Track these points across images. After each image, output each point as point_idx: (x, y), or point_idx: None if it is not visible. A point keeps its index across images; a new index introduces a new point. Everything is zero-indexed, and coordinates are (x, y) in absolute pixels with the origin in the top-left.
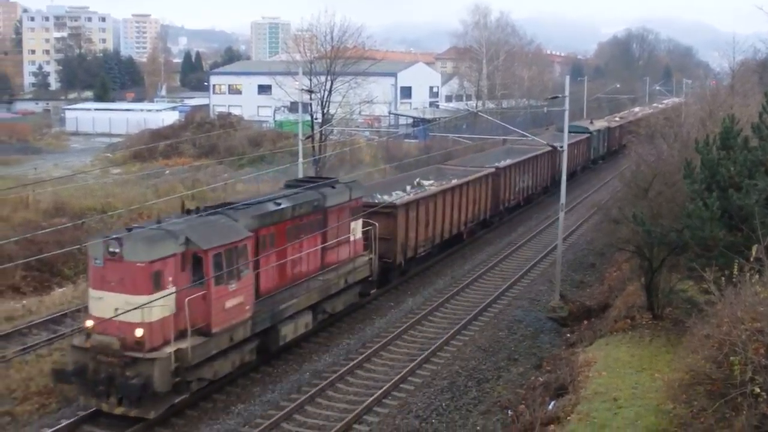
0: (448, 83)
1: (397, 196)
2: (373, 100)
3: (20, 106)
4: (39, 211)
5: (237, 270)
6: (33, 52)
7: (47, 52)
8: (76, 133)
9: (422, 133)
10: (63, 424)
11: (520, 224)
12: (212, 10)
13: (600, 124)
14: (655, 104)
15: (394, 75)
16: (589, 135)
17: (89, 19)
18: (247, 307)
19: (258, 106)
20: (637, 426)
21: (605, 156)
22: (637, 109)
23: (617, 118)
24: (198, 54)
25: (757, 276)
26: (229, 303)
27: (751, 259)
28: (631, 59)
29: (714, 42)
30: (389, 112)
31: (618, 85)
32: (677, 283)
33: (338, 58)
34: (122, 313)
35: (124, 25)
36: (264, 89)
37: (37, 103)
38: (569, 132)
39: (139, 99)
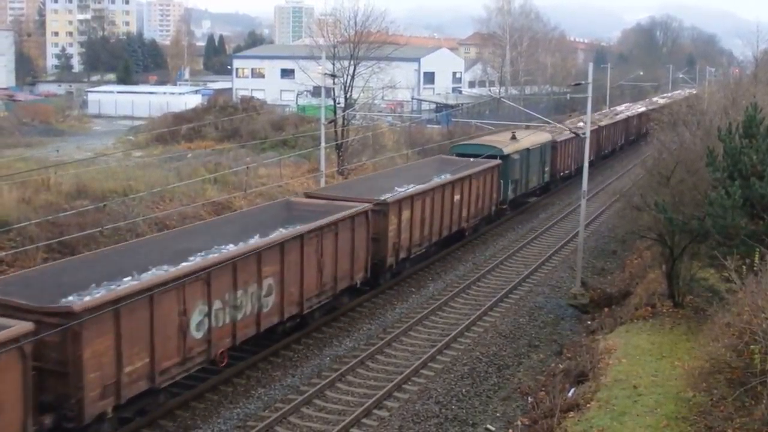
0: (471, 69)
1: None
2: (396, 85)
3: (43, 88)
4: (61, 193)
5: None
6: (56, 34)
7: (70, 34)
8: (98, 116)
9: (445, 119)
10: None
11: (543, 210)
12: None
13: (536, 138)
14: (656, 97)
15: (417, 60)
16: (498, 162)
17: (113, 2)
18: None
19: (281, 90)
20: (656, 413)
21: (548, 186)
22: (622, 107)
23: (580, 123)
24: (221, 37)
25: None
26: None
27: None
28: (655, 47)
29: (737, 30)
30: (412, 98)
31: (641, 73)
32: (698, 271)
33: (361, 43)
34: None
35: (148, 8)
36: (287, 73)
37: (59, 85)
38: (469, 155)
39: (162, 82)
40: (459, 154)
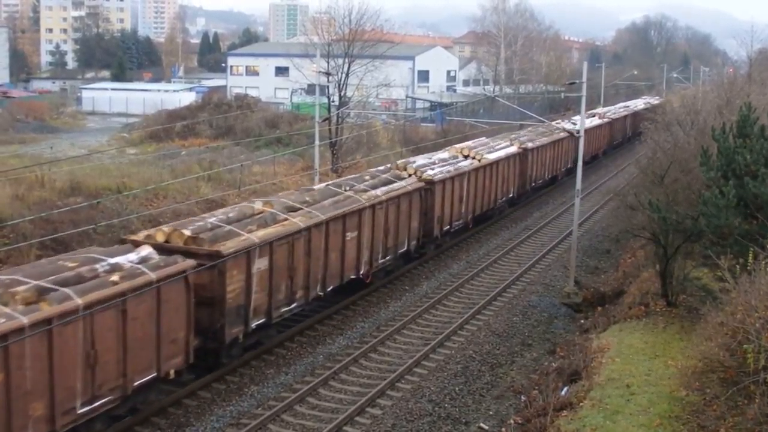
0: (465, 68)
1: None
2: (391, 83)
3: (37, 84)
4: (54, 190)
5: None
6: (50, 30)
7: (65, 31)
8: (92, 113)
9: (439, 117)
10: None
11: (537, 209)
12: None
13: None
14: (567, 120)
15: (411, 58)
16: None
17: None
18: None
19: (275, 88)
20: (649, 413)
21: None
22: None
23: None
24: (216, 35)
25: None
26: None
27: (767, 248)
28: (650, 46)
29: (732, 30)
30: (406, 96)
31: (636, 72)
32: (692, 270)
33: (356, 41)
34: None
35: (143, 4)
36: (281, 71)
37: (53, 82)
38: None
39: (156, 79)
40: None
